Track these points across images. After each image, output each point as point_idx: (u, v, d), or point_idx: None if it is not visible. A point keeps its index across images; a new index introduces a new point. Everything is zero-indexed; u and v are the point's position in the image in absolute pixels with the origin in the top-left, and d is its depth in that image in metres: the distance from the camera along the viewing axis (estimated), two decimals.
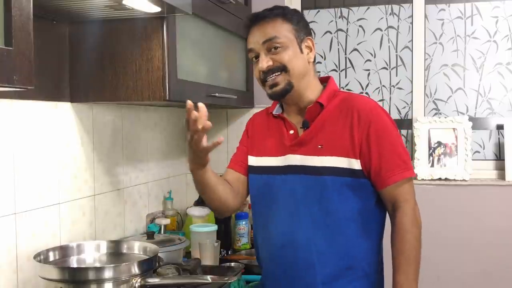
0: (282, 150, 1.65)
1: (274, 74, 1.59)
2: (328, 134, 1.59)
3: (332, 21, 2.83)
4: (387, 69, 2.78)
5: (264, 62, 1.58)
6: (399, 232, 1.55)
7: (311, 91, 1.64)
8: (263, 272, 1.73)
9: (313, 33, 1.83)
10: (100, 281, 1.40)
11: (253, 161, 1.73)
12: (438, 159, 2.63)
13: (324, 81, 1.70)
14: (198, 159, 1.54)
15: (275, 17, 1.61)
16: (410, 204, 1.57)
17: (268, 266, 1.69)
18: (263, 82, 1.62)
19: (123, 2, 1.53)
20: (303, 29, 1.64)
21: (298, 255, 1.59)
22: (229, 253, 2.39)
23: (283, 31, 1.59)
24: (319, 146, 1.58)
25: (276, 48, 1.58)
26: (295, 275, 1.60)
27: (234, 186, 1.75)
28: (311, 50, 1.64)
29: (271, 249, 1.67)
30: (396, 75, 2.77)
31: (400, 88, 2.76)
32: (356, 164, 1.55)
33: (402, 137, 2.74)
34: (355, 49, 2.81)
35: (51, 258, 1.58)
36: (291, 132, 1.65)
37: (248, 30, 1.65)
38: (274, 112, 1.71)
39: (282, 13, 1.62)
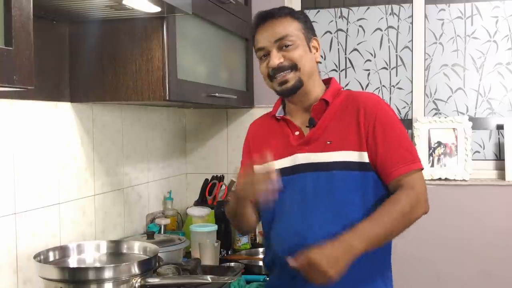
0: (289, 150, 1.64)
1: (284, 72, 1.60)
2: (335, 130, 1.59)
3: (332, 21, 2.83)
4: (387, 69, 2.78)
5: (276, 59, 1.59)
6: (391, 198, 1.50)
7: (317, 90, 1.66)
8: (272, 273, 1.70)
9: None
10: (100, 281, 1.40)
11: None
12: (438, 159, 2.63)
13: (327, 82, 1.71)
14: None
15: (285, 16, 1.62)
16: (415, 190, 1.52)
17: (280, 268, 1.64)
18: (272, 79, 1.62)
19: (123, 2, 1.53)
20: (310, 29, 1.67)
21: None
22: (229, 253, 2.39)
23: (293, 29, 1.61)
24: (328, 142, 1.58)
25: (287, 46, 1.59)
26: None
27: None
28: (317, 50, 1.67)
29: (287, 248, 1.60)
30: (396, 75, 2.77)
31: (400, 88, 2.76)
32: (365, 157, 1.55)
33: None
34: (355, 49, 2.81)
35: (51, 258, 1.58)
36: (297, 133, 1.65)
37: (256, 29, 1.64)
38: (277, 114, 1.71)
39: (291, 12, 1.64)
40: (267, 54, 1.61)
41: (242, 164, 1.78)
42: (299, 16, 1.65)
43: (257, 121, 1.82)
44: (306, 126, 1.64)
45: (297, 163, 1.62)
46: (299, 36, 1.61)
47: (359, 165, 1.55)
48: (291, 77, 1.60)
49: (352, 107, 1.59)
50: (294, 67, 1.59)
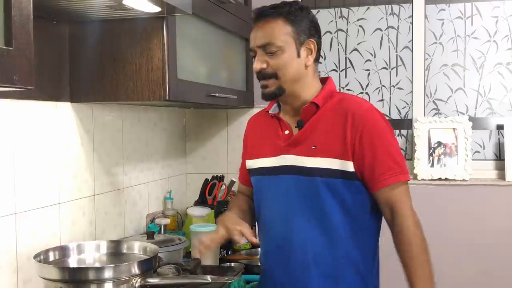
0: (277, 150, 1.65)
1: (265, 78, 1.60)
2: (321, 135, 1.58)
3: (332, 21, 2.83)
4: (387, 69, 2.78)
5: (258, 64, 1.59)
6: (405, 236, 1.52)
7: (308, 91, 1.63)
8: (262, 272, 1.74)
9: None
10: (100, 281, 1.40)
11: (250, 164, 1.75)
12: (438, 159, 2.63)
13: (324, 81, 1.69)
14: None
15: (277, 17, 1.57)
16: (408, 208, 1.54)
17: (266, 267, 1.70)
18: (258, 80, 1.65)
19: (123, 2, 1.52)
20: (307, 31, 1.60)
21: (294, 255, 1.60)
22: (229, 253, 2.38)
23: (281, 34, 1.57)
24: (313, 147, 1.58)
25: (272, 52, 1.57)
26: (291, 275, 1.60)
27: (251, 197, 1.80)
28: (311, 53, 1.61)
29: (268, 250, 1.69)
30: (396, 75, 2.77)
31: (400, 88, 2.76)
32: (349, 166, 1.54)
33: (402, 137, 2.74)
34: (355, 49, 2.81)
35: (51, 258, 1.58)
36: (286, 132, 1.65)
37: (252, 25, 1.64)
38: (270, 112, 1.71)
39: (287, 12, 1.58)
40: (255, 56, 1.61)
41: (242, 157, 1.84)
42: (294, 18, 1.58)
43: (255, 116, 1.84)
44: (295, 127, 1.65)
45: (283, 164, 1.63)
46: (287, 41, 1.57)
47: (341, 173, 1.55)
48: (271, 84, 1.59)
49: (341, 113, 1.58)
50: (273, 75, 1.58)
